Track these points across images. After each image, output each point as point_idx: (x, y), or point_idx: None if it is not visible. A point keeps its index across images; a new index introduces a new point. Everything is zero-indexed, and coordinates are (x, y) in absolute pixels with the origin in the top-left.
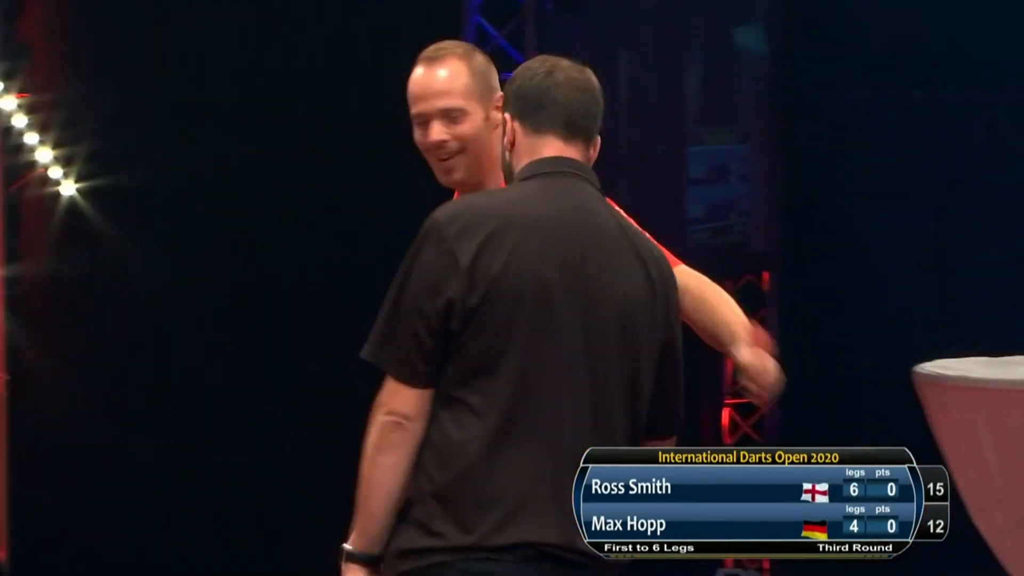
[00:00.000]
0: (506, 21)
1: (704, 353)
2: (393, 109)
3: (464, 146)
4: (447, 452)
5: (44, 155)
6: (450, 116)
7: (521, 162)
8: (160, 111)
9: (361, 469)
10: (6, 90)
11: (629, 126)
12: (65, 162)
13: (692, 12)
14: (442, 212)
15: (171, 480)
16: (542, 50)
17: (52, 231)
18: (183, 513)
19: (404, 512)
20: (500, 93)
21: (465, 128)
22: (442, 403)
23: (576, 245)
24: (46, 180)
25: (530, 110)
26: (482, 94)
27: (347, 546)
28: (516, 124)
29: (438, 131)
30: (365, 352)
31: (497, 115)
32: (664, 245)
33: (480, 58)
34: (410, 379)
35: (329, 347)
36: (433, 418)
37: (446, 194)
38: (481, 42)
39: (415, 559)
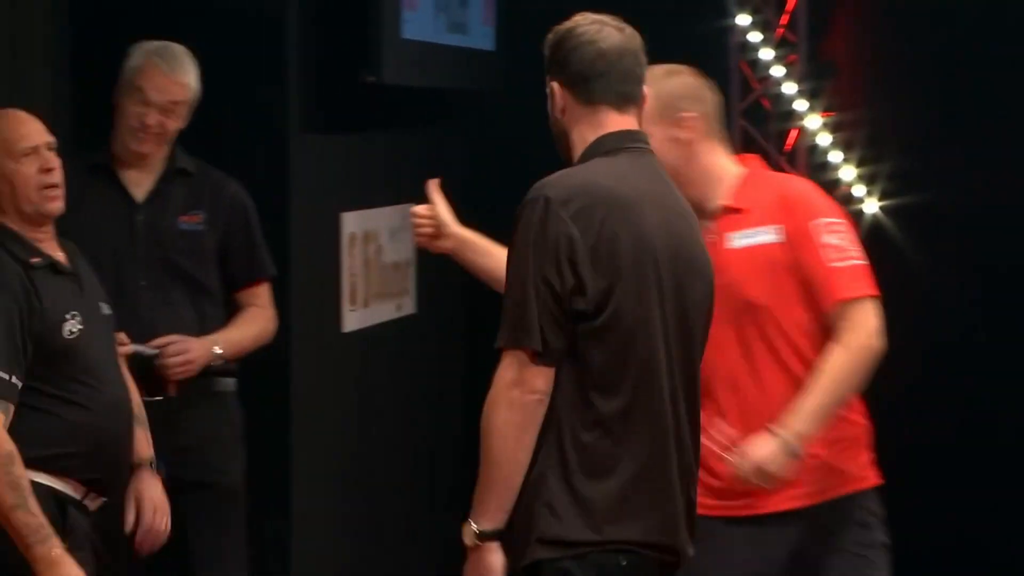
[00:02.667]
0: None
1: None
2: None
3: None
4: (584, 443)
5: (847, 173)
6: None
7: (582, 133)
8: (962, 126)
9: (502, 448)
10: (811, 108)
11: None
12: (868, 180)
13: None
14: (553, 190)
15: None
16: None
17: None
18: None
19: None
20: (690, 113)
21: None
22: (578, 392)
23: (669, 219)
24: (850, 198)
25: (579, 81)
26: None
27: (483, 526)
28: (567, 93)
29: None
30: (503, 339)
31: (682, 134)
32: None
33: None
34: (546, 357)
35: None
36: (568, 406)
37: None
38: None
39: (563, 549)
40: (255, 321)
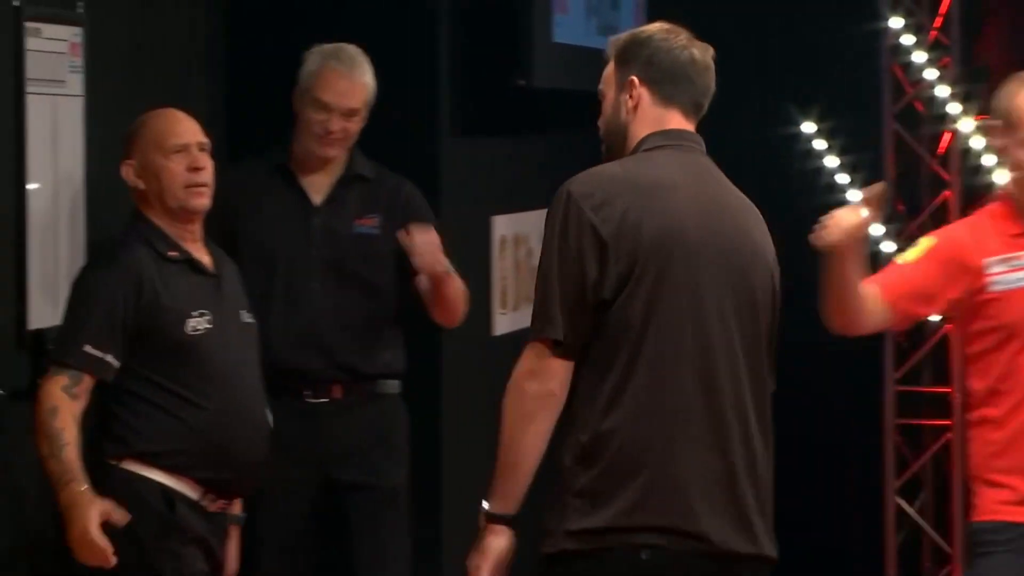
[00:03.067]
0: None
1: None
2: None
3: None
4: (602, 433)
5: (1001, 177)
6: None
7: (644, 129)
8: None
9: (510, 435)
10: (965, 112)
11: None
12: None
13: None
14: (577, 185)
15: None
16: None
17: None
18: None
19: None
20: None
21: None
22: (594, 382)
23: (708, 212)
24: None
25: (665, 81)
26: None
27: (493, 509)
28: (645, 90)
29: None
30: (530, 334)
31: None
32: None
33: None
34: (565, 349)
35: None
36: (586, 396)
37: None
38: None
39: (588, 540)
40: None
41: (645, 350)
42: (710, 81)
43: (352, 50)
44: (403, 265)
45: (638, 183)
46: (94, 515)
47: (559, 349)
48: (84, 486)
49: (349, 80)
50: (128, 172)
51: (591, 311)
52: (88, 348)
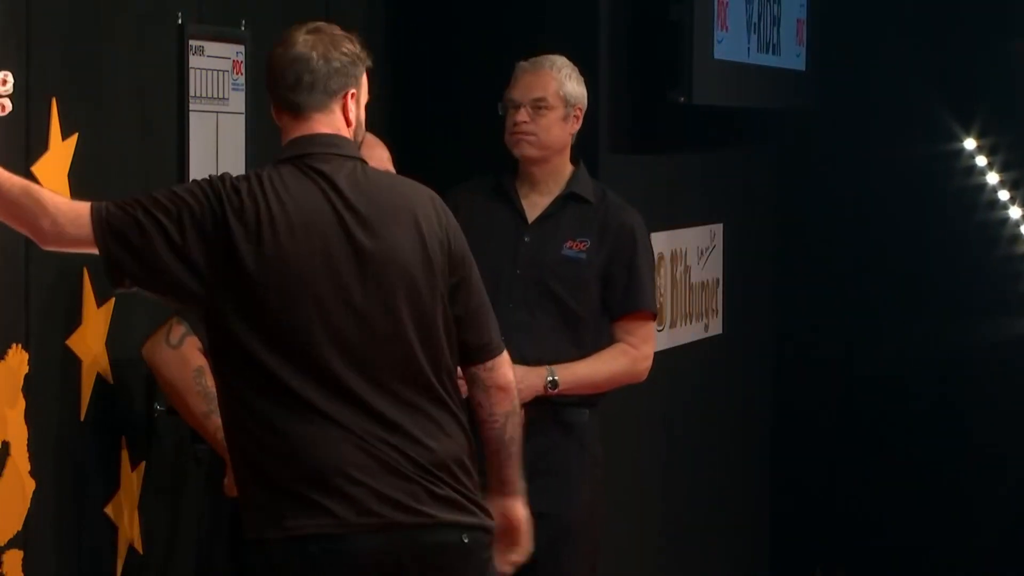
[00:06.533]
0: None
1: None
2: None
3: None
4: None
5: None
6: None
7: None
8: None
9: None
10: None
11: None
12: None
13: None
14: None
15: None
16: None
17: None
18: None
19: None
20: None
21: None
22: None
23: None
24: None
25: None
26: None
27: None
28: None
29: None
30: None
31: None
32: None
33: None
34: None
35: None
36: None
37: None
38: None
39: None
40: (615, 360)
41: None
42: None
43: (550, 56)
44: (605, 295)
45: None
46: None
47: None
48: None
49: (534, 74)
50: None
51: None
52: None
